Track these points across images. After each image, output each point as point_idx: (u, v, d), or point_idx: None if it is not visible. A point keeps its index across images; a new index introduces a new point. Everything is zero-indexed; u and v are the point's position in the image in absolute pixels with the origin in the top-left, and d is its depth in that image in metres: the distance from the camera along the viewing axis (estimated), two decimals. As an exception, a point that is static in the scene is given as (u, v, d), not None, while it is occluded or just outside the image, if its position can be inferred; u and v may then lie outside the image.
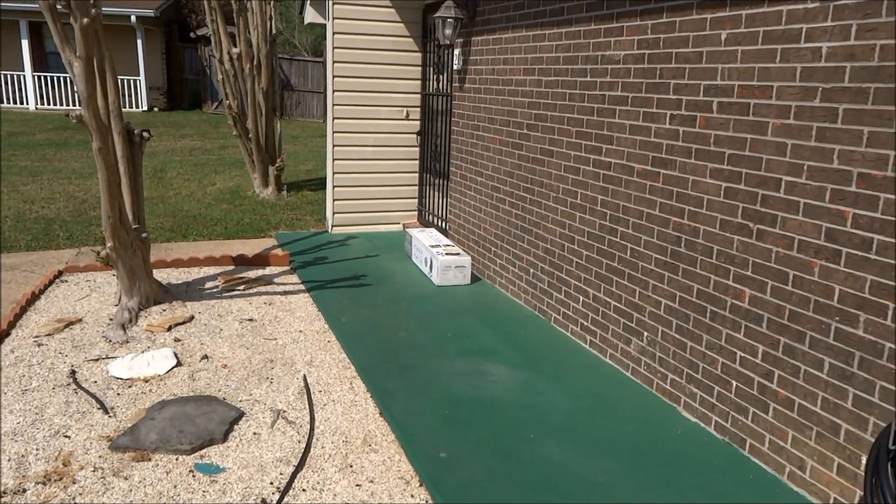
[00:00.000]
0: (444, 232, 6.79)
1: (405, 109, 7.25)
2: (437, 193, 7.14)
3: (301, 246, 6.77)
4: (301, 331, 4.64)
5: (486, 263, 5.85)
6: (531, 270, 5.12)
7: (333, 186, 7.23)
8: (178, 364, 4.01)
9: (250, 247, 6.66)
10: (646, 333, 3.91)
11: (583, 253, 4.46)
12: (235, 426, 3.37)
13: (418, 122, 7.34)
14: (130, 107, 20.08)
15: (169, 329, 4.51)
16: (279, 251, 6.47)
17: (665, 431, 3.48)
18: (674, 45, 3.58)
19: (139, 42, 20.00)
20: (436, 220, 7.11)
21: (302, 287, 5.55)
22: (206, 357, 4.12)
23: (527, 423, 3.50)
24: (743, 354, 3.26)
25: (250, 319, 4.78)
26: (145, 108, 20.35)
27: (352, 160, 7.21)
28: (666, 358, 3.75)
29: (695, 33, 3.44)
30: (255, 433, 3.33)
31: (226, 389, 3.75)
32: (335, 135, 7.09)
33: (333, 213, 7.30)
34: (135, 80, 20.16)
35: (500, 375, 4.02)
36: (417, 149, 7.41)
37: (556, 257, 4.77)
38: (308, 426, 3.41)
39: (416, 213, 7.61)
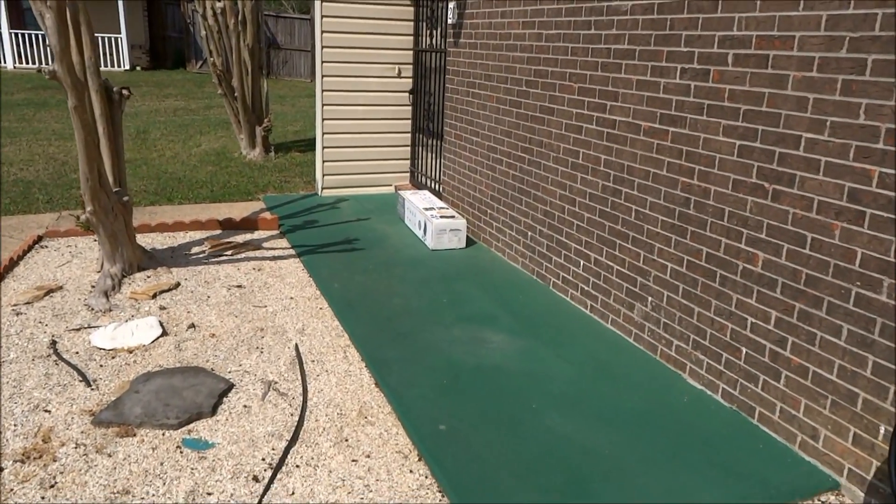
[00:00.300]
0: (437, 194, 6.59)
1: (397, 67, 6.98)
2: (430, 154, 6.92)
3: (290, 209, 6.56)
4: (292, 297, 4.47)
5: (481, 226, 5.68)
6: (529, 234, 4.95)
7: (323, 147, 6.99)
8: (164, 333, 3.84)
9: (238, 210, 6.44)
10: (650, 298, 3.77)
11: (584, 215, 4.29)
12: (225, 399, 3.22)
13: (411, 80, 7.07)
14: (112, 66, 19.52)
15: (154, 296, 4.32)
16: (268, 215, 6.27)
17: (671, 399, 3.36)
18: (686, -7, 3.36)
19: (119, -2, 19.34)
20: (429, 181, 6.91)
21: (292, 252, 5.36)
22: (192, 326, 3.95)
23: (528, 392, 3.37)
24: (754, 320, 3.12)
25: (239, 286, 4.60)
26: (127, 67, 19.79)
27: (342, 120, 6.96)
28: (671, 324, 3.62)
29: (709, -20, 3.22)
30: (245, 406, 3.18)
31: (214, 360, 3.59)
32: (324, 93, 6.83)
33: (323, 176, 7.08)
34: (116, 38, 19.57)
35: (499, 342, 3.88)
36: (410, 108, 7.16)
37: (556, 220, 4.60)
38: (301, 398, 3.26)
39: (408, 174, 7.39)
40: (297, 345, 3.80)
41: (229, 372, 3.47)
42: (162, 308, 4.18)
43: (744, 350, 3.18)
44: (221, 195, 6.95)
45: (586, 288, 4.33)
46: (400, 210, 6.35)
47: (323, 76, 6.78)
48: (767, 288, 3.04)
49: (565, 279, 4.55)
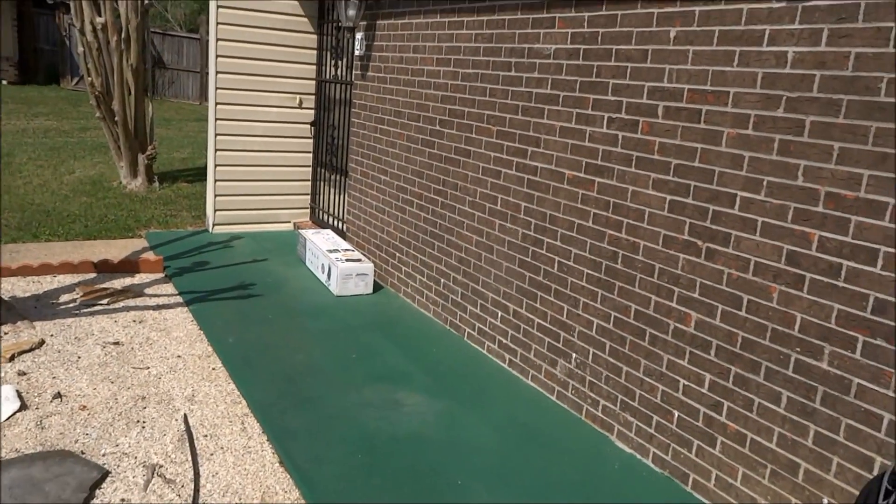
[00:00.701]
0: (341, 234, 6.22)
1: (298, 97, 6.59)
2: (333, 191, 6.55)
3: (177, 248, 5.97)
4: (179, 356, 3.96)
5: (389, 270, 5.36)
6: (442, 280, 4.69)
7: (215, 180, 6.45)
8: (23, 407, 3.24)
9: (116, 249, 5.79)
10: (574, 355, 3.58)
11: (502, 264, 4.08)
12: (98, 491, 2.70)
13: (313, 112, 6.70)
14: (-28, 79, 17.75)
15: (11, 359, 3.69)
16: (151, 255, 5.66)
17: (601, 466, 3.16)
18: (614, 40, 3.24)
19: (-18, 6, 17.68)
20: (332, 220, 6.53)
21: (179, 300, 4.82)
22: (59, 396, 3.37)
23: (452, 464, 3.07)
24: (687, 383, 2.99)
25: (116, 343, 4.03)
26: (-9, 81, 18.07)
27: (237, 151, 6.46)
28: (598, 382, 3.44)
29: (639, 29, 3.11)
30: (123, 500, 2.68)
31: (85, 440, 3.04)
32: (218, 122, 6.32)
33: (215, 211, 6.53)
34: (-23, 50, 17.84)
35: (415, 405, 3.56)
36: (311, 140, 6.78)
37: (472, 267, 4.37)
38: (192, 485, 2.80)
39: (308, 211, 6.97)
40: (185, 416, 3.32)
41: (103, 455, 2.94)
42: (21, 374, 3.55)
43: (676, 413, 3.04)
44: (97, 231, 6.25)
45: (504, 341, 4.11)
46: (301, 251, 5.92)
47: (217, 103, 6.28)
48: (701, 350, 2.91)
49: (481, 330, 4.31)
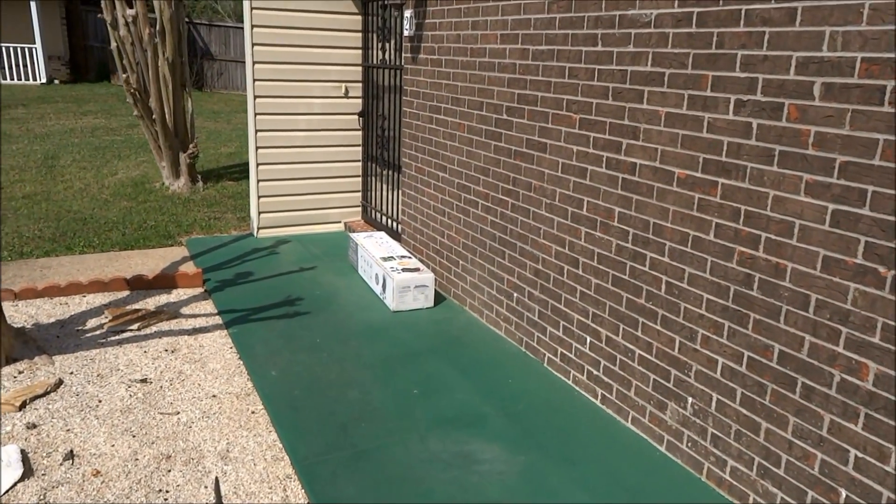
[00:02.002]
0: (396, 235, 5.60)
1: (343, 85, 5.97)
2: (386, 187, 5.93)
3: (219, 257, 5.46)
4: (215, 395, 3.41)
5: (452, 280, 4.71)
6: (515, 295, 4.01)
7: (258, 180, 5.91)
8: (27, 474, 2.73)
9: (153, 260, 5.31)
10: (691, 399, 2.86)
11: (591, 280, 3.38)
12: None
13: (360, 101, 6.07)
14: (25, 79, 17.84)
15: (22, 406, 3.20)
16: (190, 267, 5.16)
17: (736, 551, 2.46)
18: (747, -2, 2.48)
19: (33, 5, 17.69)
20: (385, 219, 5.91)
21: (218, 320, 4.28)
22: (71, 456, 2.85)
23: (545, 552, 2.41)
24: (861, 455, 2.24)
25: (143, 380, 3.51)
26: (44, 80, 18.13)
27: (279, 148, 5.90)
28: (724, 437, 2.72)
29: (784, -19, 2.34)
30: None
31: (93, 523, 2.51)
32: (258, 117, 5.76)
33: (259, 213, 6.00)
34: (30, 49, 17.89)
35: (492, 461, 2.91)
36: (360, 133, 6.16)
37: (552, 282, 3.67)
38: (219, 588, 2.22)
39: (360, 209, 6.37)
40: (217, 481, 2.75)
41: (114, 544, 2.40)
42: (31, 426, 3.05)
43: (843, 492, 2.30)
44: (135, 240, 5.79)
45: (595, 372, 3.41)
46: (352, 257, 5.33)
47: (255, 96, 5.72)
48: (884, 414, 2.16)
49: (565, 357, 3.63)
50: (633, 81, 3.01)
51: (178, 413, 3.23)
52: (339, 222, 6.33)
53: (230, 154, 9.99)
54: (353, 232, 6.05)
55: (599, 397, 3.41)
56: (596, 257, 3.33)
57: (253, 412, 3.27)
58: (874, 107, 2.11)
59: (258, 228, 6.02)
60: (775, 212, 2.43)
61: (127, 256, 5.43)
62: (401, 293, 4.48)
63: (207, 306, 4.52)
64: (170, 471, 2.80)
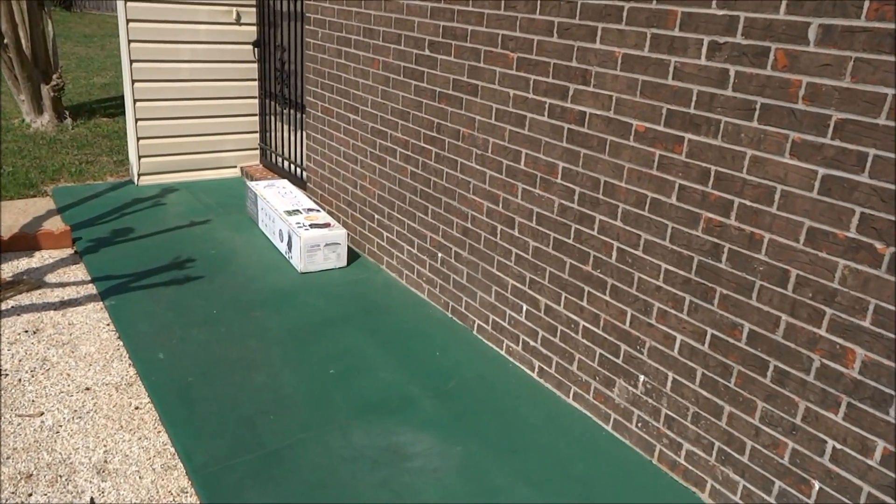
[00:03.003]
0: (300, 183, 5.03)
1: (234, 10, 5.21)
2: (288, 129, 5.30)
3: (93, 210, 4.71)
4: (88, 388, 2.85)
5: (367, 235, 4.25)
6: (440, 255, 3.61)
7: (136, 119, 5.12)
8: None
9: (11, 215, 4.51)
10: (643, 378, 2.60)
11: (528, 243, 3.02)
12: None
13: (255, 29, 5.34)
14: None
15: None
16: (57, 223, 4.41)
17: (697, 547, 2.25)
18: (731, -82, 2.08)
19: None
20: (288, 165, 5.30)
21: (91, 289, 3.65)
22: None
23: (493, 568, 2.10)
24: (841, 447, 2.04)
25: (-3, 372, 2.89)
26: None
27: (160, 82, 5.11)
28: (680, 420, 2.48)
29: None
30: None
31: (-76, 579, 1.97)
32: (132, 46, 4.93)
33: (139, 157, 5.23)
34: None
35: (426, 454, 2.56)
36: (256, 66, 5.44)
37: (483, 242, 3.30)
38: None
39: (258, 152, 5.71)
40: (92, 501, 2.25)
41: None
42: None
43: (816, 485, 2.10)
44: (-13, 190, 4.92)
45: (532, 343, 3.10)
46: (251, 209, 4.74)
47: (129, 20, 4.88)
48: (871, 405, 1.95)
49: (498, 325, 3.29)
50: (583, 16, 2.58)
51: (42, 414, 2.66)
52: (235, 167, 5.66)
53: (105, 85, 8.86)
54: (251, 178, 5.41)
55: (536, 370, 3.11)
56: (535, 217, 2.96)
57: (137, 408, 2.75)
58: (883, 55, 1.79)
59: (139, 175, 5.27)
60: (753, 174, 2.13)
61: (-23, 210, 4.59)
62: (309, 252, 3.98)
63: (78, 272, 3.85)
64: (31, 494, 2.27)
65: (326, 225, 4.10)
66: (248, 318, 3.45)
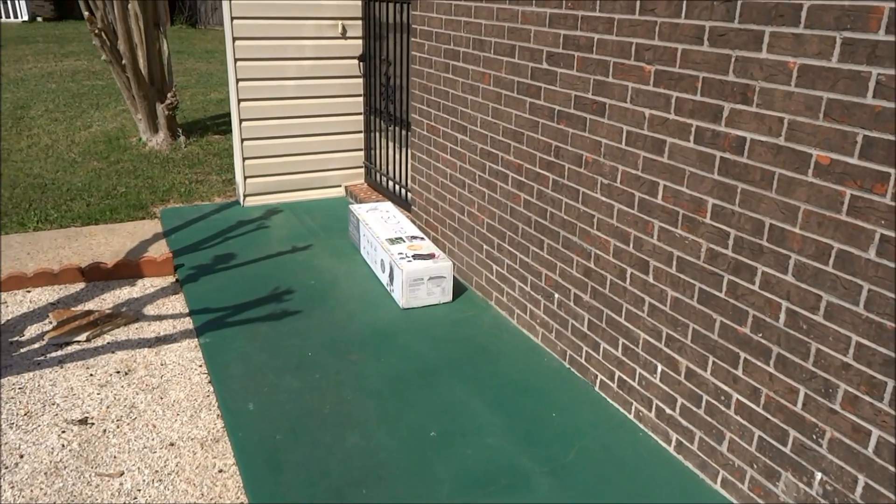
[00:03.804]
0: (405, 204, 4.73)
1: (340, 23, 4.99)
2: (393, 146, 5.03)
3: (197, 233, 4.62)
4: (173, 443, 2.63)
5: (474, 267, 3.87)
6: (556, 296, 3.17)
7: (242, 140, 5.01)
8: None
9: (120, 238, 4.49)
10: (819, 475, 2.05)
11: (666, 293, 2.52)
12: None
13: (360, 42, 5.10)
14: (5, 16, 16.67)
15: (-86, 469, 2.43)
16: (162, 247, 4.33)
17: None
18: None
19: (9, -65, 16.37)
20: (392, 185, 5.03)
21: (188, 324, 3.48)
22: (-35, 555, 2.10)
23: None
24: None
25: (82, 420, 2.73)
26: (25, 17, 16.95)
27: (266, 100, 4.97)
28: (873, 535, 1.92)
29: None
30: None
31: None
32: (238, 64, 4.82)
33: (245, 178, 5.12)
34: (9, -16, 16.68)
35: (541, 552, 2.13)
36: (361, 81, 5.21)
37: (609, 286, 2.82)
38: None
39: (362, 171, 5.48)
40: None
41: None
42: (-80, 503, 2.30)
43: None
44: (101, 212, 4.95)
45: (668, 411, 2.60)
46: (353, 234, 4.48)
47: (234, 38, 4.76)
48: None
49: (625, 384, 2.81)
50: (745, 18, 2.07)
51: (122, 474, 2.45)
52: (340, 186, 5.45)
53: (220, 101, 9.02)
54: (356, 199, 5.18)
55: (674, 443, 2.60)
56: (675, 263, 2.46)
57: (221, 470, 2.49)
58: None
59: (244, 196, 5.16)
60: None
61: (89, 233, 4.60)
62: (412, 287, 3.64)
63: (177, 303, 3.71)
64: (99, 578, 2.04)
65: (431, 256, 3.75)
66: (345, 363, 3.15)
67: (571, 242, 3.01)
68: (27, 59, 11.94)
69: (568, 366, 3.16)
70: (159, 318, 3.54)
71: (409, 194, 4.64)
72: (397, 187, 4.93)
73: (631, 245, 2.66)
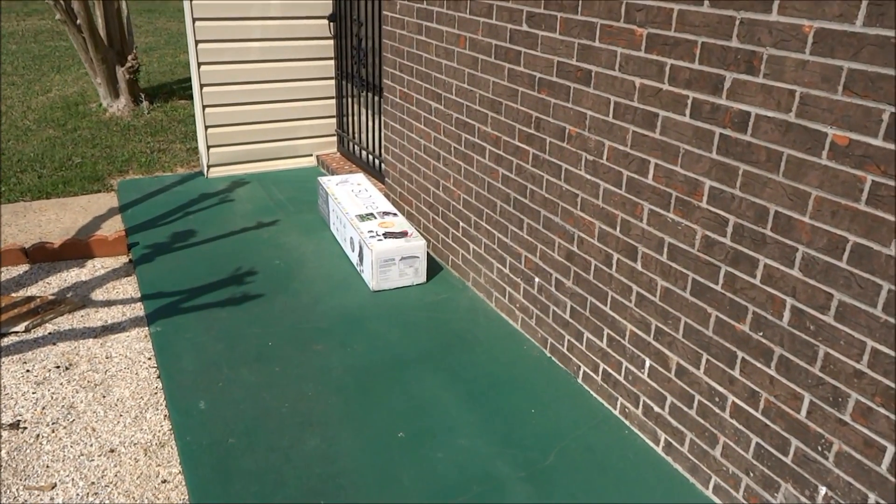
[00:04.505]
0: (379, 176, 4.44)
1: (307, -20, 4.63)
2: (367, 113, 4.72)
3: (156, 207, 4.32)
4: (113, 449, 2.38)
5: (450, 245, 3.61)
6: (536, 279, 2.93)
7: (204, 107, 4.68)
8: None
9: (71, 214, 4.18)
10: (824, 490, 1.85)
11: (656, 282, 2.29)
12: None
13: (331, 2, 4.75)
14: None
15: None
16: (116, 223, 4.03)
17: None
18: None
19: None
20: (366, 155, 4.73)
21: (139, 310, 3.22)
22: None
23: None
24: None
25: (14, 424, 2.47)
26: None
27: (229, 63, 4.63)
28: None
29: None
30: None
31: None
32: (197, 24, 4.45)
33: (208, 148, 4.80)
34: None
35: (516, 573, 1.93)
36: (332, 43, 4.86)
37: (593, 272, 2.58)
38: None
39: (335, 139, 5.17)
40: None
41: None
42: None
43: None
44: (53, 185, 4.62)
45: (657, 409, 2.38)
46: (322, 208, 4.20)
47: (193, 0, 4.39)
48: None
49: (610, 377, 2.59)
50: (752, -26, 1.79)
51: (54, 486, 2.21)
52: (311, 155, 5.14)
53: (186, 64, 8.58)
54: (328, 169, 4.89)
55: (662, 443, 2.40)
56: (666, 250, 2.22)
57: (164, 480, 2.26)
58: None
59: (208, 167, 4.85)
60: None
61: (39, 209, 4.29)
62: (383, 268, 3.39)
63: (129, 287, 3.43)
64: None
65: (403, 234, 3.49)
66: (308, 354, 2.90)
67: (553, 223, 2.76)
68: (-13, 18, 11.35)
69: (549, 355, 2.93)
70: (108, 303, 3.27)
71: (382, 165, 4.35)
72: (371, 157, 4.64)
73: (618, 228, 2.42)
